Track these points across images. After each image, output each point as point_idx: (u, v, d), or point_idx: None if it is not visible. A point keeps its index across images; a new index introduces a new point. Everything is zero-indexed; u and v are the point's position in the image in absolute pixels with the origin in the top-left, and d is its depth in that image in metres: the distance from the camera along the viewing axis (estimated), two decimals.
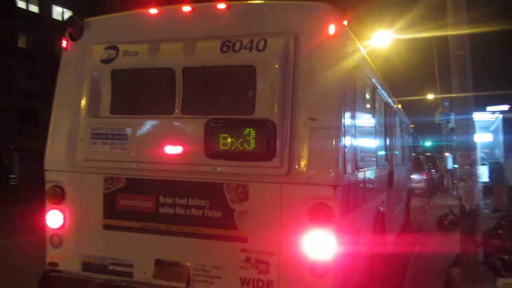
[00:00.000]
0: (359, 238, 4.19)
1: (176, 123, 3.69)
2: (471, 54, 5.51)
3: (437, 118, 21.96)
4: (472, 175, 5.23)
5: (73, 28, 4.06)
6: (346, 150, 3.51)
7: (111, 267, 3.85)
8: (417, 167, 19.29)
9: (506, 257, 5.37)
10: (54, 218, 4.02)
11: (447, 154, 25.77)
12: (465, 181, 5.25)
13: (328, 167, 3.33)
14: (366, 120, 4.76)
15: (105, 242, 3.88)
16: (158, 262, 3.70)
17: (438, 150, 35.18)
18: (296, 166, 3.36)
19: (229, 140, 3.46)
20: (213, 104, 3.64)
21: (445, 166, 25.71)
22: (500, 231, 6.48)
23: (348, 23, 3.68)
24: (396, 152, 7.75)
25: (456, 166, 5.77)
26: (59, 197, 4.01)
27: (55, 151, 4.11)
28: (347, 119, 3.56)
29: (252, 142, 3.40)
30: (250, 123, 3.43)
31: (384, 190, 6.13)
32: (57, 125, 4.16)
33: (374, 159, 5.16)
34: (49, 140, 4.15)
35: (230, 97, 3.62)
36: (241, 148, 3.42)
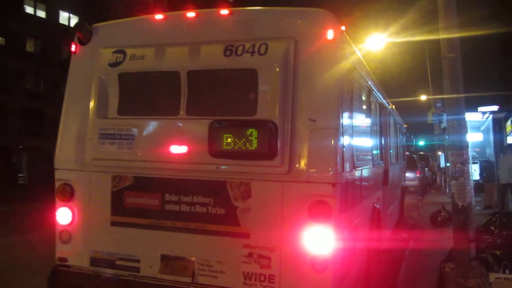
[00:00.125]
0: (356, 234, 4.34)
1: (181, 124, 3.81)
2: (462, 57, 5.66)
3: (430, 118, 22.20)
4: (464, 173, 5.34)
5: (82, 33, 4.18)
6: (344, 149, 3.64)
7: (118, 262, 3.95)
8: (411, 165, 19.54)
9: (498, 252, 5.50)
10: (63, 215, 4.13)
11: (439, 153, 26.08)
12: (457, 179, 5.35)
13: (327, 166, 3.46)
14: (362, 120, 4.91)
15: (113, 238, 4.00)
16: (164, 257, 3.81)
17: (431, 149, 35.55)
18: (297, 165, 3.49)
19: (232, 140, 3.56)
20: (217, 106, 3.76)
21: (438, 165, 26.01)
22: (492, 228, 6.62)
23: (345, 28, 3.84)
24: (391, 151, 7.93)
25: (448, 164, 5.93)
26: (68, 195, 4.12)
27: (65, 151, 4.22)
28: (345, 120, 3.69)
29: (254, 142, 3.51)
30: (252, 124, 3.55)
31: (380, 188, 6.30)
32: (66, 125, 4.28)
33: (370, 158, 5.32)
34: (58, 140, 4.26)
35: (233, 99, 3.75)
36: (244, 147, 3.53)
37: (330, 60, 3.60)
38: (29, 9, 32.76)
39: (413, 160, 20.94)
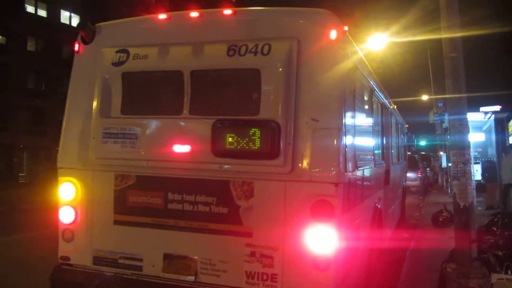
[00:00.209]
0: (358, 234, 4.35)
1: (185, 123, 3.82)
2: (464, 56, 5.66)
3: (432, 118, 22.21)
4: (466, 173, 5.34)
5: (85, 32, 4.20)
6: (346, 149, 3.65)
7: (121, 261, 3.97)
8: (413, 165, 19.52)
9: (500, 253, 5.51)
10: (66, 214, 4.16)
11: (441, 153, 26.06)
12: (459, 179, 5.36)
13: (330, 166, 3.48)
14: (364, 120, 4.92)
15: (116, 237, 4.01)
16: (166, 256, 3.83)
17: (432, 149, 35.51)
18: (299, 165, 3.51)
19: (235, 139, 3.58)
20: (220, 105, 3.78)
21: (440, 165, 25.98)
22: (494, 228, 6.61)
23: (348, 28, 3.85)
24: (392, 151, 7.93)
25: (450, 164, 5.91)
26: (71, 193, 4.15)
27: (68, 150, 4.24)
28: (347, 120, 3.71)
29: (257, 141, 3.53)
30: (255, 124, 3.57)
31: (381, 188, 6.30)
32: (69, 124, 4.29)
33: (372, 157, 5.33)
34: (62, 139, 4.28)
35: (236, 99, 3.77)
36: (247, 147, 3.55)
37: (332, 60, 3.61)
38: (30, 8, 32.92)
39: (414, 160, 20.92)
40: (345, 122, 3.63)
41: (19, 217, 12.89)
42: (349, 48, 4.00)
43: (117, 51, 4.03)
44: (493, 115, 14.40)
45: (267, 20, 3.88)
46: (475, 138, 14.94)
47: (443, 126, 19.24)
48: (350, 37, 4.08)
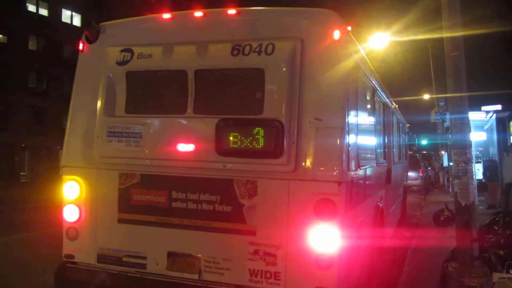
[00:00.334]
0: (360, 233, 4.38)
1: (189, 122, 3.85)
2: (466, 55, 5.67)
3: (433, 117, 22.18)
4: (467, 172, 5.35)
5: (89, 31, 4.22)
6: (349, 148, 3.68)
7: (125, 259, 4.00)
8: (414, 164, 19.55)
9: (501, 252, 5.52)
10: (70, 212, 4.18)
11: (442, 152, 26.05)
12: (460, 178, 5.38)
13: (333, 165, 3.50)
14: (367, 119, 4.94)
15: (120, 235, 4.04)
16: (170, 254, 3.86)
17: (434, 148, 35.50)
18: (303, 164, 3.53)
19: (239, 138, 3.60)
20: (224, 105, 3.80)
21: (441, 164, 25.97)
22: (495, 227, 6.62)
23: (352, 29, 3.87)
24: (394, 150, 7.96)
25: (451, 164, 5.93)
26: (75, 192, 4.17)
27: (72, 148, 4.26)
28: (350, 119, 3.73)
29: (261, 140, 3.55)
30: (259, 123, 3.59)
31: (383, 187, 6.33)
32: (74, 123, 4.32)
33: (374, 157, 5.35)
34: (66, 138, 4.30)
35: (240, 98, 3.79)
36: (251, 146, 3.57)
37: (336, 60, 3.63)
38: (31, 7, 32.91)
39: (416, 159, 20.94)
40: (348, 122, 3.65)
41: (22, 216, 12.92)
42: (352, 48, 4.02)
43: (122, 50, 4.05)
44: (494, 114, 14.39)
45: (271, 20, 3.90)
46: (477, 137, 14.93)
47: (445, 125, 19.22)
48: (353, 37, 4.10)
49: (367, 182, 4.68)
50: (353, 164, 3.82)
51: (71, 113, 4.36)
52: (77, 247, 4.18)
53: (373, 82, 5.41)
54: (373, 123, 5.48)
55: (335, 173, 3.49)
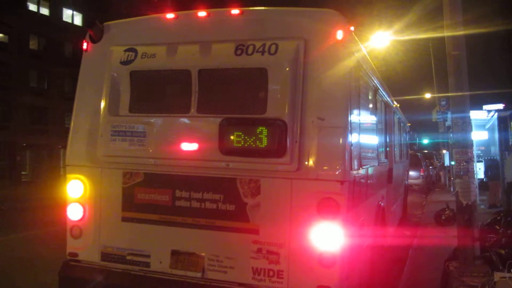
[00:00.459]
0: (362, 231, 4.40)
1: (192, 122, 3.87)
2: (468, 54, 5.67)
3: (434, 116, 22.19)
4: (468, 171, 5.36)
5: (93, 31, 4.24)
6: (352, 148, 3.70)
7: (129, 257, 4.02)
8: (415, 164, 19.53)
9: (502, 251, 5.51)
10: (74, 211, 4.21)
11: (444, 151, 26.05)
12: (462, 178, 5.38)
13: (336, 164, 3.53)
14: (369, 119, 4.96)
15: (124, 233, 4.06)
16: (174, 253, 3.88)
17: (435, 148, 35.49)
18: (306, 163, 3.55)
19: (242, 138, 3.62)
20: (227, 104, 3.82)
21: (442, 163, 25.95)
22: (496, 226, 6.62)
23: (354, 28, 3.89)
24: (395, 149, 7.99)
25: (453, 163, 5.94)
26: (79, 190, 4.20)
27: (76, 147, 4.29)
28: (352, 119, 3.75)
29: (264, 140, 3.57)
30: (262, 122, 3.61)
31: (384, 186, 6.36)
32: (78, 122, 4.34)
33: (376, 156, 5.38)
34: (70, 137, 4.33)
35: (243, 97, 3.81)
36: (254, 145, 3.59)
37: (339, 60, 3.66)
38: (32, 7, 32.86)
39: (417, 158, 20.93)
40: (350, 121, 3.67)
41: (23, 215, 12.96)
42: (355, 47, 4.04)
43: (125, 50, 4.07)
44: (496, 113, 14.41)
45: (275, 20, 3.92)
46: (478, 136, 14.95)
47: (446, 124, 19.23)
48: (355, 37, 4.12)
49: (369, 181, 4.69)
50: (355, 163, 3.84)
51: (75, 112, 4.38)
52: (81, 245, 4.20)
53: (375, 81, 5.43)
54: (375, 122, 5.50)
55: (337, 172, 3.51)
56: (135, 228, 4.03)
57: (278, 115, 3.59)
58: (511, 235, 6.06)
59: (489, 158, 14.83)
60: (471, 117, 5.63)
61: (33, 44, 33.20)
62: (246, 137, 3.62)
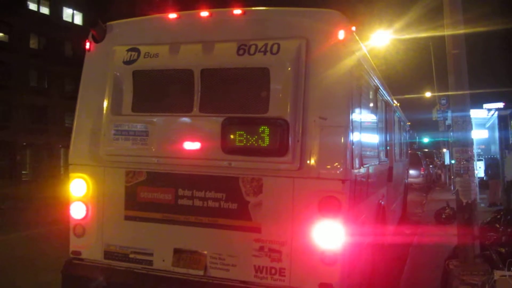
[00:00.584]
0: (363, 230, 4.43)
1: (195, 121, 3.89)
2: (468, 53, 5.68)
3: (435, 115, 22.16)
4: (468, 170, 5.38)
5: (96, 30, 4.26)
6: (353, 146, 3.73)
7: (131, 256, 4.05)
8: (416, 162, 19.54)
9: (503, 250, 5.52)
10: (77, 210, 4.23)
11: (444, 150, 26.07)
12: (462, 176, 5.40)
13: (338, 163, 3.55)
14: (369, 118, 4.99)
15: (126, 232, 4.09)
16: (176, 251, 3.91)
17: (435, 146, 35.52)
18: (307, 162, 3.58)
19: (244, 137, 3.65)
20: (230, 103, 3.85)
21: (443, 162, 25.96)
22: (496, 225, 6.64)
23: (356, 28, 3.91)
24: (395, 148, 8.01)
25: (453, 161, 5.96)
26: (82, 189, 4.22)
27: (79, 146, 4.31)
28: (354, 118, 3.78)
29: (266, 139, 3.60)
30: (265, 121, 3.63)
31: (384, 185, 6.38)
32: (80, 122, 4.36)
33: (377, 155, 5.40)
34: (73, 136, 4.35)
35: (246, 97, 3.83)
36: (256, 144, 3.62)
37: (340, 60, 3.68)
38: (32, 6, 32.89)
39: (418, 157, 20.95)
40: (352, 120, 3.70)
41: (24, 214, 12.97)
42: (356, 47, 4.06)
43: (128, 50, 4.09)
44: (496, 112, 14.43)
45: (277, 20, 3.94)
46: (478, 135, 14.97)
47: (446, 123, 19.22)
48: (356, 37, 4.14)
49: (369, 180, 4.72)
50: (356, 162, 3.87)
51: (77, 112, 4.41)
52: (84, 243, 4.22)
53: (375, 80, 5.45)
54: (376, 121, 5.53)
55: (339, 171, 3.54)
56: (138, 226, 4.05)
57: (280, 115, 3.62)
58: (511, 234, 6.08)
59: (489, 156, 14.85)
60: (471, 116, 5.64)
61: (33, 44, 33.23)
62: (248, 136, 3.64)
